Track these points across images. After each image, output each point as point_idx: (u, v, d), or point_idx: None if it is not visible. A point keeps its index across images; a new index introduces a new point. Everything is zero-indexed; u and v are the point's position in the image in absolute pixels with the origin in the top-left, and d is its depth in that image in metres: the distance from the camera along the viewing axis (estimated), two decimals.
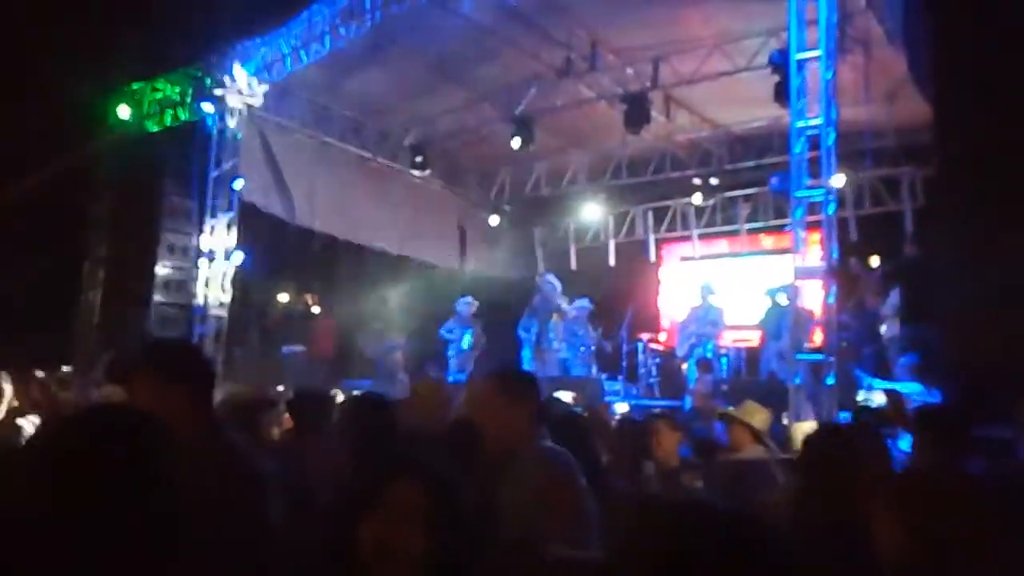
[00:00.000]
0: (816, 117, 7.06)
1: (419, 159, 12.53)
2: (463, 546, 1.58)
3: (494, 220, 14.38)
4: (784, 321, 8.25)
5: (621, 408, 9.49)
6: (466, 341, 11.73)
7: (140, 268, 12.33)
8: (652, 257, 14.49)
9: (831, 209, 6.97)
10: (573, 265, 14.74)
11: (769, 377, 9.14)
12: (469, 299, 11.92)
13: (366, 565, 1.52)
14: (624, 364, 11.68)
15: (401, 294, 12.62)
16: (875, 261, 9.24)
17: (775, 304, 9.76)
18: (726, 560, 1.05)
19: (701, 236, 13.98)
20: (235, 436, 2.36)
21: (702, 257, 13.96)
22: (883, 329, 8.64)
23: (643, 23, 9.29)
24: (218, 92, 10.99)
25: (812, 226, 7.22)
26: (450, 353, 11.80)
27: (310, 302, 11.78)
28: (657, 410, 6.32)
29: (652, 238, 14.44)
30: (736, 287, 12.37)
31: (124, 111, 12.32)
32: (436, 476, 1.66)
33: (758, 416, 4.42)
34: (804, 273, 7.11)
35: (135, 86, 12.39)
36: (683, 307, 11.88)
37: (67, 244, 12.51)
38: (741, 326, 11.58)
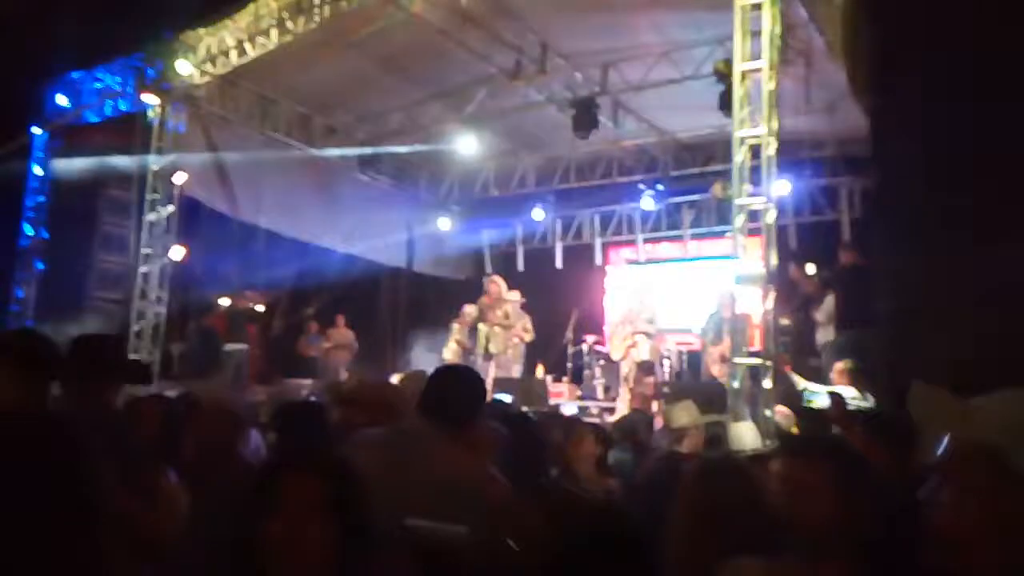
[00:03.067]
0: (758, 126, 7.20)
1: (367, 157, 12.45)
2: (366, 535, 1.56)
3: (443, 221, 14.35)
4: (724, 325, 8.40)
5: (569, 410, 9.58)
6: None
7: (77, 261, 12.03)
8: (598, 260, 14.62)
9: (771, 217, 7.12)
10: (520, 267, 14.80)
11: (710, 379, 9.29)
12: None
13: (270, 563, 1.50)
14: (568, 366, 11.77)
15: (346, 292, 12.52)
16: (811, 268, 9.46)
17: (718, 308, 9.94)
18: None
19: (646, 240, 14.16)
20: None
21: (647, 261, 14.14)
22: (818, 335, 8.86)
23: (593, 29, 9.38)
24: (161, 83, 10.76)
25: (753, 232, 7.37)
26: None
27: (252, 300, 11.58)
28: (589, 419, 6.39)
29: (599, 242, 14.57)
30: (680, 291, 12.56)
31: (63, 101, 12.01)
32: (332, 466, 1.63)
33: (684, 416, 4.51)
34: (744, 279, 7.25)
35: (75, 75, 12.08)
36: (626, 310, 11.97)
37: (3, 235, 12.14)
38: (684, 330, 11.75)
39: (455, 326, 11.26)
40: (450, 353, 11.14)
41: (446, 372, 2.91)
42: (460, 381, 2.78)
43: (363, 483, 1.63)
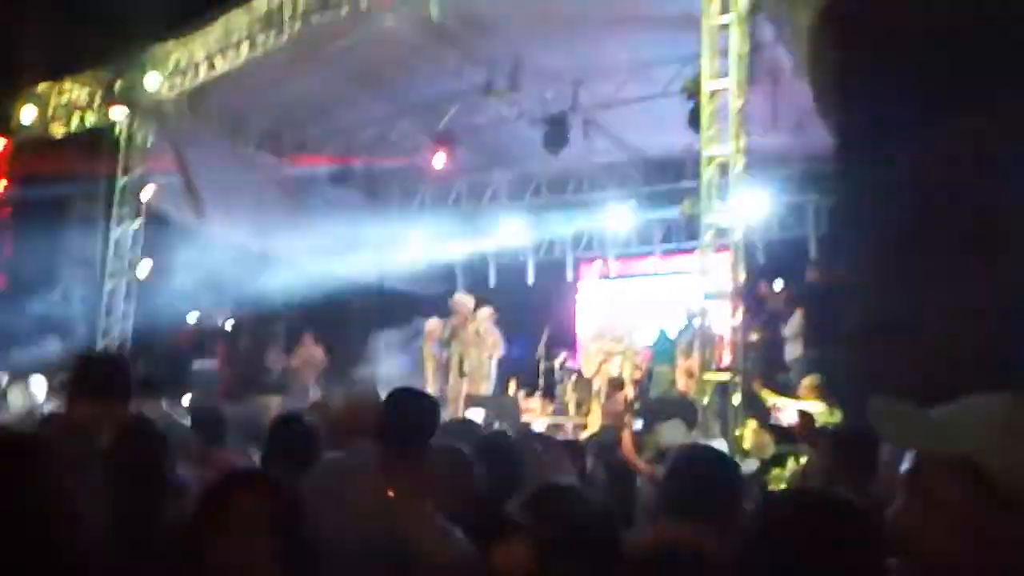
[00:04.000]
0: (726, 144, 7.29)
1: (338, 172, 12.40)
2: (309, 551, 1.57)
3: (414, 236, 14.30)
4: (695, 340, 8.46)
5: (538, 427, 9.55)
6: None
7: (42, 275, 11.85)
8: (570, 276, 14.65)
9: (738, 234, 7.19)
10: (492, 283, 14.78)
11: (681, 395, 9.33)
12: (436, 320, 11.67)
13: None
14: (541, 382, 11.75)
15: (316, 309, 12.42)
16: (778, 284, 9.57)
17: (689, 324, 10.03)
18: None
19: (618, 256, 14.22)
20: None
21: (618, 277, 14.19)
22: (787, 350, 8.94)
23: (564, 46, 9.44)
24: (129, 97, 10.65)
25: (722, 249, 7.44)
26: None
27: (220, 317, 11.48)
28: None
29: (570, 257, 14.61)
30: (650, 307, 12.60)
31: (29, 113, 11.85)
32: (274, 482, 1.67)
33: (677, 434, 4.52)
34: (713, 295, 7.31)
35: (41, 87, 11.93)
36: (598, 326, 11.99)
37: None
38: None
39: (425, 345, 11.23)
40: (429, 372, 11.11)
41: (401, 395, 2.84)
42: (412, 406, 2.73)
43: (304, 504, 1.65)
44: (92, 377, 2.85)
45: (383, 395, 2.91)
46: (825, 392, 6.59)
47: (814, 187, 11.50)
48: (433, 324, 11.43)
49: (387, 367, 11.25)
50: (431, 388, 10.62)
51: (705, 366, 7.32)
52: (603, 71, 9.95)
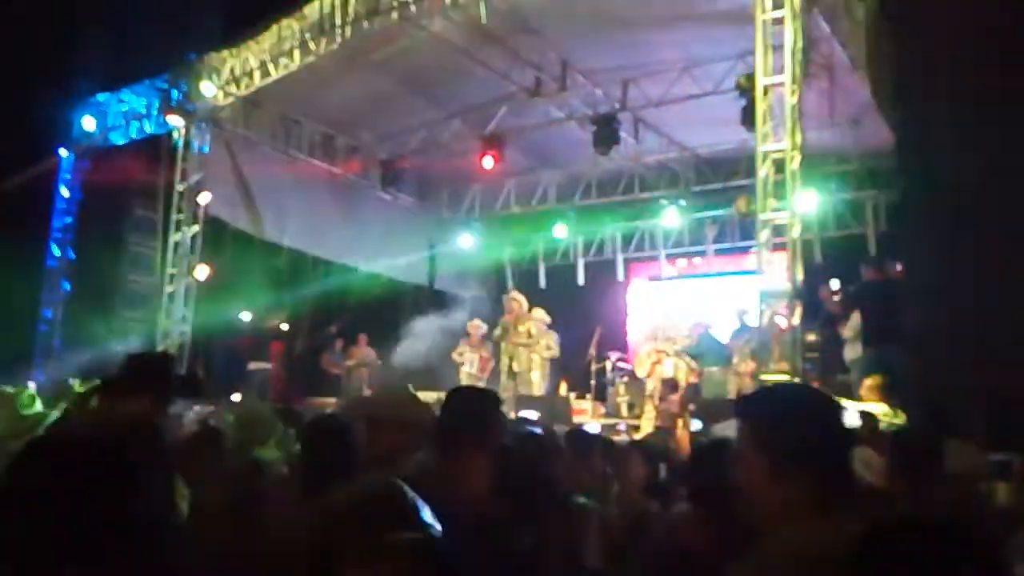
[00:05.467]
0: (781, 141, 7.16)
1: (389, 175, 12.50)
2: None
3: (464, 238, 14.36)
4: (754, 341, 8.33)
5: (594, 428, 9.49)
6: (474, 364, 11.40)
7: (104, 281, 12.17)
8: (620, 276, 14.56)
9: (795, 232, 7.05)
10: (542, 284, 14.77)
11: (737, 396, 9.20)
12: (478, 321, 11.71)
13: None
14: (592, 383, 11.69)
15: (369, 311, 12.54)
16: (835, 284, 9.37)
17: (743, 324, 9.89)
18: None
19: (669, 257, 14.09)
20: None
21: (670, 277, 14.06)
22: (846, 351, 8.74)
23: (613, 46, 9.39)
24: (185, 105, 10.88)
25: (777, 248, 7.31)
26: (460, 377, 11.35)
27: (275, 319, 11.65)
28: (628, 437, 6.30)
29: (620, 258, 14.52)
30: (703, 307, 12.45)
31: (90, 123, 12.19)
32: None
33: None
34: (769, 295, 7.18)
35: (101, 97, 12.28)
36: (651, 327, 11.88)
37: (31, 255, 12.31)
38: None
39: (463, 345, 11.24)
40: (464, 373, 11.11)
41: (452, 395, 2.82)
42: (460, 404, 2.72)
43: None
44: (132, 376, 2.97)
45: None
46: (887, 393, 6.43)
47: (872, 183, 11.26)
48: (473, 325, 11.45)
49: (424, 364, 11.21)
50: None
51: (761, 367, 7.19)
52: (653, 69, 9.86)
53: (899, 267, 8.33)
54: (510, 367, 10.94)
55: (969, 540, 1.22)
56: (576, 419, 9.98)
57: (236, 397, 9.71)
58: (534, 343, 10.83)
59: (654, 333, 10.44)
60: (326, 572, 1.28)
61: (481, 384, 10.60)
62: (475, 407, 2.69)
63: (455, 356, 11.46)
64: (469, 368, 11.28)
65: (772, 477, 1.65)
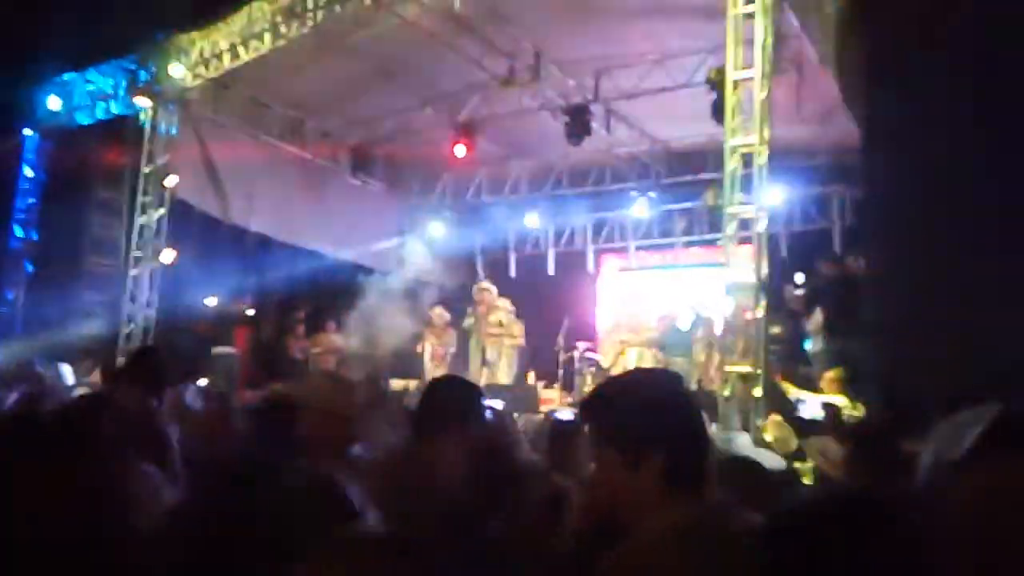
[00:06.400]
0: (749, 135, 7.23)
1: (360, 161, 12.43)
2: None
3: (435, 226, 14.33)
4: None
5: (565, 416, 9.53)
6: (431, 352, 11.49)
7: (68, 263, 11.99)
8: (591, 267, 14.62)
9: (762, 225, 7.14)
10: (512, 273, 14.79)
11: (699, 388, 9.31)
12: (440, 309, 11.71)
13: None
14: (560, 372, 11.75)
15: (336, 297, 12.47)
16: (799, 278, 9.50)
17: (698, 316, 10.03)
18: None
19: (638, 248, 14.17)
20: None
21: (640, 268, 14.15)
22: (808, 344, 8.88)
23: (586, 36, 9.40)
24: (153, 86, 10.72)
25: (744, 241, 7.39)
26: (426, 366, 11.49)
27: (241, 304, 11.54)
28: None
29: (591, 249, 14.58)
30: (670, 299, 12.56)
31: (55, 102, 11.97)
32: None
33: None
34: (735, 288, 7.26)
35: (66, 77, 12.04)
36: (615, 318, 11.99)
37: None
38: None
39: (426, 332, 11.25)
40: (427, 359, 11.13)
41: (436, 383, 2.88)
42: (444, 392, 2.75)
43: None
44: (142, 367, 3.11)
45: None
46: (847, 386, 6.55)
47: (838, 179, 11.40)
48: (436, 313, 11.45)
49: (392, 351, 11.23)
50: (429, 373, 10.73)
51: (724, 359, 7.28)
52: (626, 61, 9.90)
53: (861, 262, 8.47)
54: (483, 356, 10.96)
55: (881, 514, 1.20)
56: (544, 408, 10.04)
57: (202, 382, 9.62)
58: (505, 333, 10.87)
59: (618, 324, 10.52)
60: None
61: (439, 372, 10.71)
62: (458, 395, 2.74)
63: (418, 345, 11.49)
64: (428, 356, 11.31)
65: (626, 467, 1.68)
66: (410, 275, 12.93)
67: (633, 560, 1.60)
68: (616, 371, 10.17)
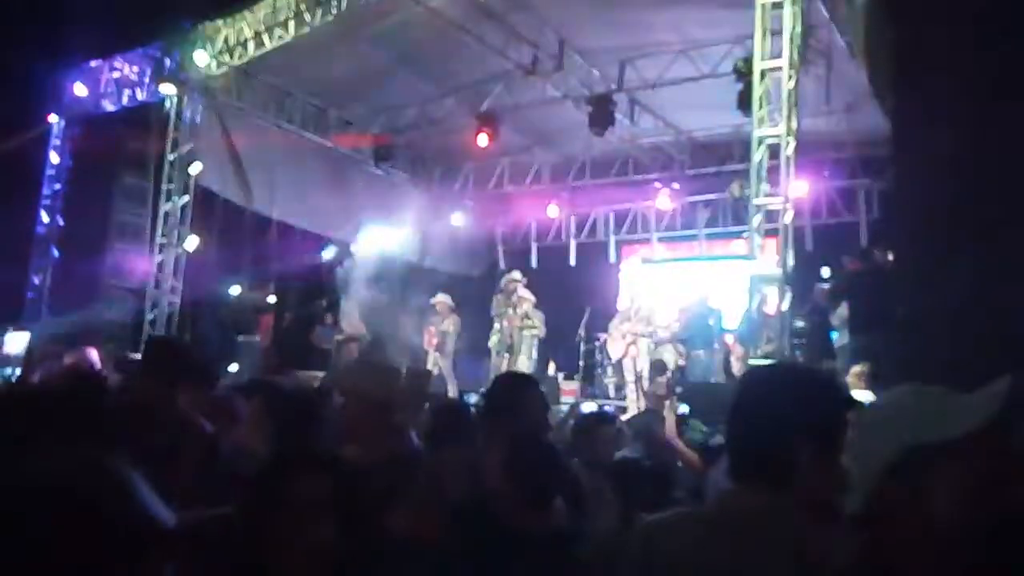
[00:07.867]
0: (777, 126, 7.14)
1: (382, 151, 12.43)
2: (369, 537, 1.58)
3: (456, 216, 14.31)
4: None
5: (588, 408, 9.51)
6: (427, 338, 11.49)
7: (93, 248, 12.10)
8: (612, 258, 14.55)
9: (788, 217, 7.05)
10: (534, 264, 14.74)
11: (727, 379, 9.24)
12: (442, 296, 11.69)
13: (272, 560, 1.49)
14: (580, 364, 11.72)
15: (359, 286, 12.48)
16: (825, 272, 9.38)
17: (708, 308, 9.95)
18: None
19: (661, 240, 14.08)
20: None
21: (662, 260, 14.05)
22: (837, 338, 8.76)
23: (610, 26, 9.32)
24: (178, 74, 10.76)
25: (770, 233, 7.31)
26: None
27: (264, 291, 11.58)
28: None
29: (613, 240, 14.51)
30: (693, 291, 12.45)
31: (81, 89, 12.05)
32: (341, 468, 1.64)
33: None
34: (760, 279, 7.19)
35: (93, 64, 12.12)
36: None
37: (19, 222, 12.22)
38: None
39: (436, 319, 11.24)
40: (430, 347, 11.14)
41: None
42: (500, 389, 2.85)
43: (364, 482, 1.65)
44: (159, 359, 3.12)
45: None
46: (872, 381, 6.45)
47: (866, 171, 11.24)
48: (439, 299, 11.42)
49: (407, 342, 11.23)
50: (431, 362, 10.74)
51: (751, 350, 7.22)
52: (650, 51, 9.80)
53: (889, 256, 8.33)
54: (511, 346, 10.93)
55: None
56: (564, 399, 10.01)
57: (233, 368, 9.71)
58: (529, 324, 10.84)
59: (627, 314, 10.43)
60: None
61: (432, 358, 10.70)
62: (513, 394, 2.80)
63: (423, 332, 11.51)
64: (426, 341, 11.32)
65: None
66: (427, 265, 12.94)
67: None
68: (627, 362, 10.13)
